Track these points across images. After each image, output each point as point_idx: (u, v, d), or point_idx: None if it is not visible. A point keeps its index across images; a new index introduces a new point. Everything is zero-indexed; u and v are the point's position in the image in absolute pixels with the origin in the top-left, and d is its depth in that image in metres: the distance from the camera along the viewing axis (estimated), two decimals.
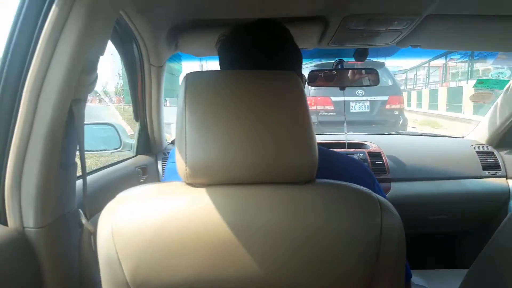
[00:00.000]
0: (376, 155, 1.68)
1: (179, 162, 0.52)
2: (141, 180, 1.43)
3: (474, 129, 1.96)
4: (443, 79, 17.13)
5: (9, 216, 0.70)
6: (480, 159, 1.72)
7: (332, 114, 5.66)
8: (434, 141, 1.99)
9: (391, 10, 1.09)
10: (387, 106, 6.06)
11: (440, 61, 15.70)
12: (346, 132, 1.83)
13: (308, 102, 0.56)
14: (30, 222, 0.70)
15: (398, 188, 1.64)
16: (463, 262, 1.86)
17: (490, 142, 1.80)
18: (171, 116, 1.68)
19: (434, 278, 1.31)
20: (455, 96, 12.12)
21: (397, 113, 6.14)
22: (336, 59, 1.63)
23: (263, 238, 0.50)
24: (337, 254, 0.51)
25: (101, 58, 0.77)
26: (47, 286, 0.72)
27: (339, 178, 0.57)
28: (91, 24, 0.66)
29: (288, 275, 0.51)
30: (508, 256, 0.66)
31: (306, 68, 3.92)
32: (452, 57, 11.98)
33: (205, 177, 0.52)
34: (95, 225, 0.78)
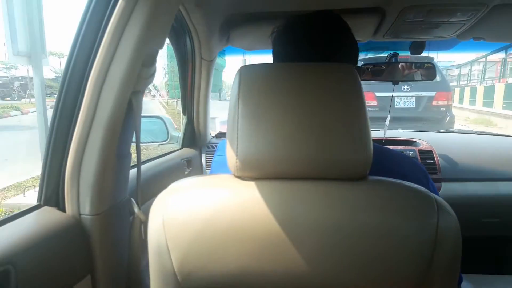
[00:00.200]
0: (427, 153, 1.60)
1: (230, 154, 0.51)
2: (186, 173, 1.46)
3: None
4: (501, 74, 15.94)
5: (68, 203, 0.73)
6: None
7: (375, 109, 5.51)
8: (489, 140, 1.86)
9: (454, 0, 1.02)
10: (434, 102, 5.83)
11: (498, 56, 14.63)
12: (385, 129, 1.74)
13: None
14: (86, 209, 0.73)
15: (449, 188, 1.56)
16: None
17: None
18: (212, 111, 1.70)
19: (483, 284, 1.25)
20: None
21: (444, 109, 5.89)
22: (389, 52, 1.56)
23: (311, 235, 0.49)
24: (389, 253, 0.49)
25: None
26: (98, 272, 0.75)
27: (390, 176, 0.55)
28: (154, 17, 0.67)
29: (336, 274, 0.50)
30: None
31: None
32: None
33: (254, 170, 0.51)
34: (144, 214, 0.80)
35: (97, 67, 0.68)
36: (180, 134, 1.61)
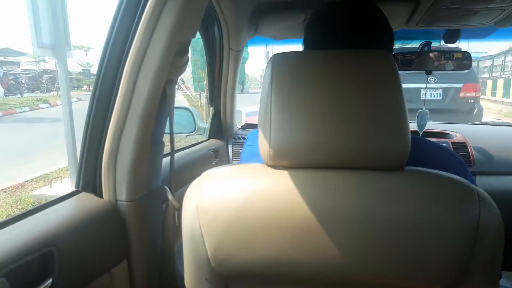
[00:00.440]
0: (461, 146, 1.55)
1: (262, 143, 0.51)
2: (213, 163, 1.47)
3: None
4: None
5: (105, 189, 0.75)
6: None
7: None
8: None
9: None
10: (461, 94, 5.64)
11: None
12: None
13: None
14: (122, 195, 0.75)
15: (485, 182, 1.50)
16: None
17: None
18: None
19: None
20: None
21: (472, 101, 5.68)
22: (416, 41, 1.51)
23: (346, 225, 0.48)
24: (428, 245, 0.48)
25: None
26: (134, 256, 0.77)
27: (427, 166, 0.53)
28: (187, 6, 0.68)
29: (368, 265, 0.49)
30: None
31: None
32: None
33: (287, 159, 0.51)
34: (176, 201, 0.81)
35: (132, 57, 0.69)
36: (206, 125, 1.63)
